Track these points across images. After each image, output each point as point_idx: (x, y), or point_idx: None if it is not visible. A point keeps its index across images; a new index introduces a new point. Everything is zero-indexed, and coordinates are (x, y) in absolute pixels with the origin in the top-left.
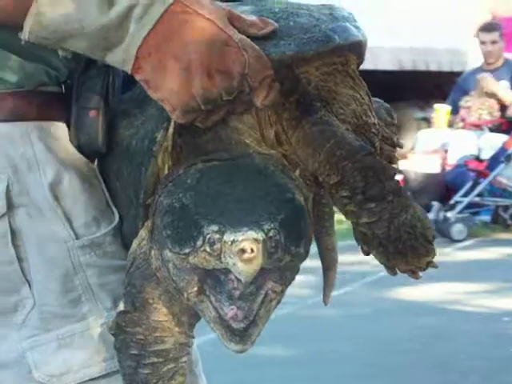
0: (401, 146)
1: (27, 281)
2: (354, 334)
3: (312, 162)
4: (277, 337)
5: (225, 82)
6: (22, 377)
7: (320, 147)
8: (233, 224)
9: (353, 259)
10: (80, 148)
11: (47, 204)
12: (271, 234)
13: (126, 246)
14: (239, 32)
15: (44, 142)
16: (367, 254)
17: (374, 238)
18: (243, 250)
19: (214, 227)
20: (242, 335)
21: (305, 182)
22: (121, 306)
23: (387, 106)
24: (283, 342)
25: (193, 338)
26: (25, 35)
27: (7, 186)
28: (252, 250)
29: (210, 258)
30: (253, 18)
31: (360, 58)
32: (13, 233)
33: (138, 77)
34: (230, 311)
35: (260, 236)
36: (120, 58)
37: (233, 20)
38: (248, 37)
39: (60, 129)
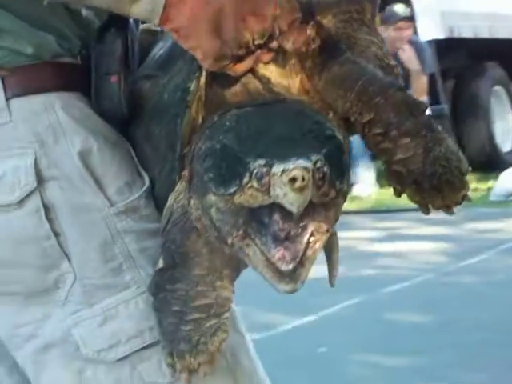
0: None
1: (66, 255)
2: (491, 301)
3: (343, 103)
4: (415, 304)
5: (257, 25)
6: (69, 355)
7: (351, 86)
8: (279, 157)
9: (488, 227)
10: (103, 115)
11: (78, 174)
12: (318, 164)
13: (159, 208)
14: None
15: (68, 111)
16: (400, 194)
17: (409, 175)
18: (294, 179)
19: (261, 161)
20: (291, 276)
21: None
22: (160, 264)
23: None
24: (422, 309)
25: (233, 292)
26: None
27: (35, 161)
28: (303, 179)
29: (258, 194)
30: None
31: (374, 7)
32: (46, 207)
33: (167, 27)
34: (277, 253)
35: (309, 165)
36: (147, 8)
37: None
38: None
39: (82, 98)
